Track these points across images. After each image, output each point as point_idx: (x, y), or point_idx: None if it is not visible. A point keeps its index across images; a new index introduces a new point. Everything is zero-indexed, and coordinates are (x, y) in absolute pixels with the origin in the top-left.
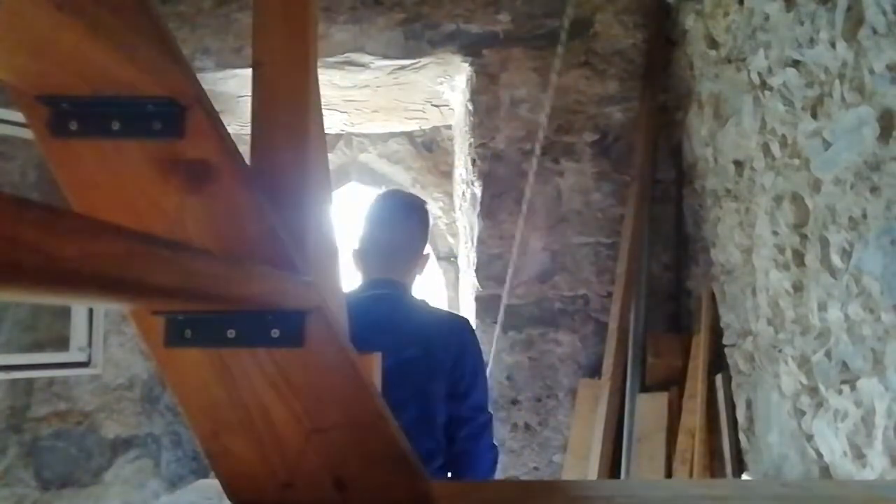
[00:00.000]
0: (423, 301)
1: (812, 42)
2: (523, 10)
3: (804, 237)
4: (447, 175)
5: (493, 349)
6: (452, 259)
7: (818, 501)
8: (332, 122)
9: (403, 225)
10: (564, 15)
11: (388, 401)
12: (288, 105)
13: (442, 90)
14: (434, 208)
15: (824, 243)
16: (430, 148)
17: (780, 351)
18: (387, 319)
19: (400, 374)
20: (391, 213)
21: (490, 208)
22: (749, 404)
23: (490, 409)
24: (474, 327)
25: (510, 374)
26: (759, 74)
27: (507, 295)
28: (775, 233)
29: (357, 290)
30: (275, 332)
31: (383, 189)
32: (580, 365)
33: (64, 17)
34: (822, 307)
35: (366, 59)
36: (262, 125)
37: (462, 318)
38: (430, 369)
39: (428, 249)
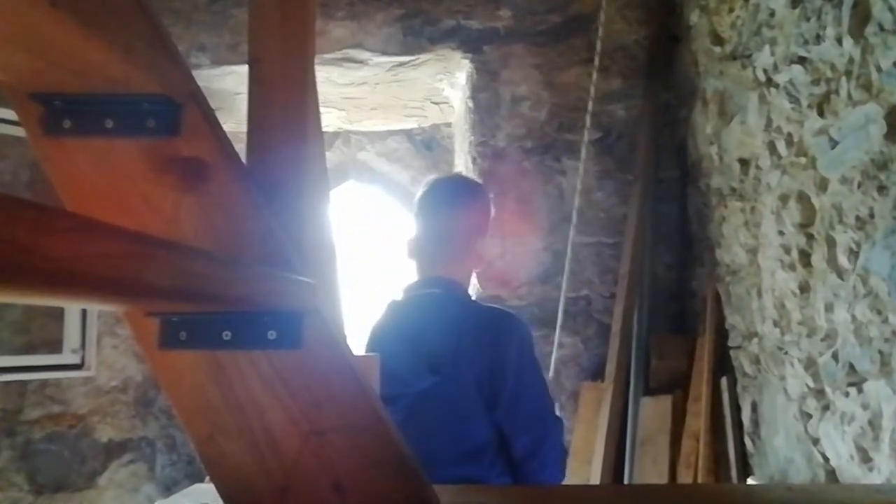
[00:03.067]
0: (470, 301)
1: (818, 39)
2: (524, 6)
3: (810, 237)
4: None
5: None
6: None
7: None
8: (330, 120)
9: (455, 212)
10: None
11: (413, 433)
12: (285, 102)
13: (442, 87)
14: None
15: (831, 243)
16: (429, 146)
17: (786, 353)
18: (420, 331)
19: (421, 406)
20: (440, 200)
21: None
22: (754, 407)
23: (557, 414)
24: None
25: None
26: (765, 71)
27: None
28: (781, 232)
29: (408, 288)
30: (272, 334)
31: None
32: (582, 368)
33: (58, 13)
34: (829, 308)
35: (364, 55)
36: (259, 123)
37: (506, 317)
38: (454, 392)
39: (487, 239)
